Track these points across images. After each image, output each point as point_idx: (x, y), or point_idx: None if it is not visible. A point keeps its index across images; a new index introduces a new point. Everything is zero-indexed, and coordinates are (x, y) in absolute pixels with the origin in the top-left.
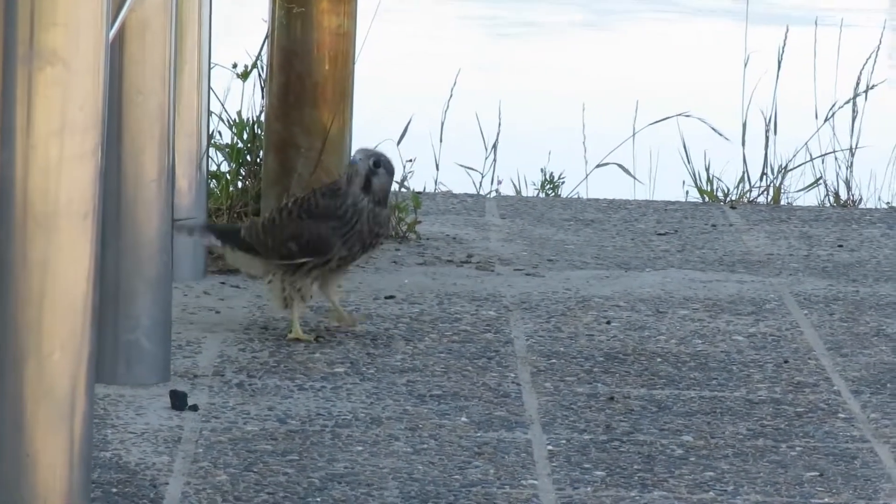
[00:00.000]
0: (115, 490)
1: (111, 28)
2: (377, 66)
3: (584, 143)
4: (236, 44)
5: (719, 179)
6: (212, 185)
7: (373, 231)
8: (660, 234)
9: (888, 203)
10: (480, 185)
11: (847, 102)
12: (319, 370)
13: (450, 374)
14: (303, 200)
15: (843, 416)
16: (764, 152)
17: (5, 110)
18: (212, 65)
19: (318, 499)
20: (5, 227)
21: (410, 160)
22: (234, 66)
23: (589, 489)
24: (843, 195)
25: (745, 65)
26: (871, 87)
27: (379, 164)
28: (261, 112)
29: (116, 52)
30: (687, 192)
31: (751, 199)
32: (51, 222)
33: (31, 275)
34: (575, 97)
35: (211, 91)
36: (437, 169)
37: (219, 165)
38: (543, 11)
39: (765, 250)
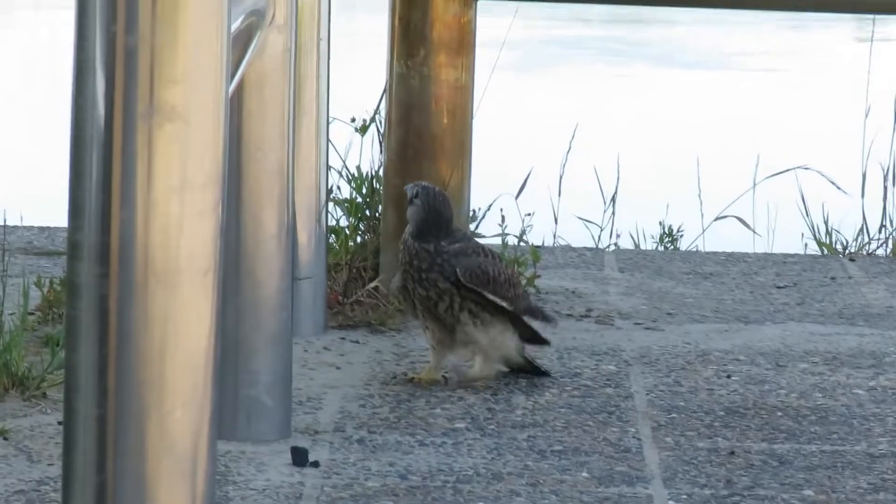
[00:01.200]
0: None
1: (230, 84)
2: (496, 119)
3: (699, 196)
4: (355, 98)
5: (838, 232)
6: (331, 240)
7: (413, 265)
8: (779, 287)
9: None
10: (599, 238)
11: None
12: (440, 426)
13: (570, 429)
14: None
15: None
16: (883, 204)
17: (125, 167)
18: (330, 119)
19: None
20: (127, 284)
21: (529, 214)
22: (353, 120)
23: None
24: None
25: (866, 115)
26: None
27: (416, 195)
28: (380, 166)
29: (235, 107)
30: (806, 245)
31: (870, 251)
32: (171, 279)
33: (152, 331)
34: (692, 149)
35: (330, 145)
36: (556, 222)
37: (338, 220)
38: (654, 61)
39: (884, 303)
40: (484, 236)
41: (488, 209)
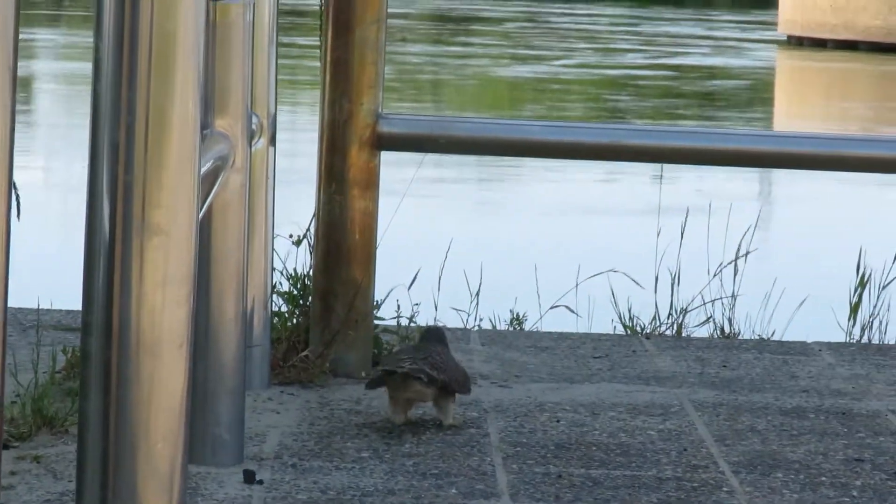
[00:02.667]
0: None
1: (201, 209)
2: (396, 233)
3: (537, 291)
4: (294, 219)
5: (638, 318)
6: (274, 321)
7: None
8: (595, 357)
9: (759, 335)
10: (466, 321)
11: (730, 263)
12: (350, 455)
13: (444, 458)
14: None
15: (726, 489)
16: (670, 298)
17: (124, 268)
18: (275, 235)
19: None
20: (124, 352)
21: (417, 304)
22: (291, 236)
23: None
24: (727, 329)
25: (658, 235)
26: (748, 253)
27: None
28: (310, 269)
29: (205, 225)
30: (615, 327)
31: (660, 332)
32: (156, 349)
33: (142, 386)
34: (534, 256)
35: (274, 253)
36: (436, 309)
37: (279, 307)
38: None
39: (671, 369)
40: (384, 319)
41: (386, 298)
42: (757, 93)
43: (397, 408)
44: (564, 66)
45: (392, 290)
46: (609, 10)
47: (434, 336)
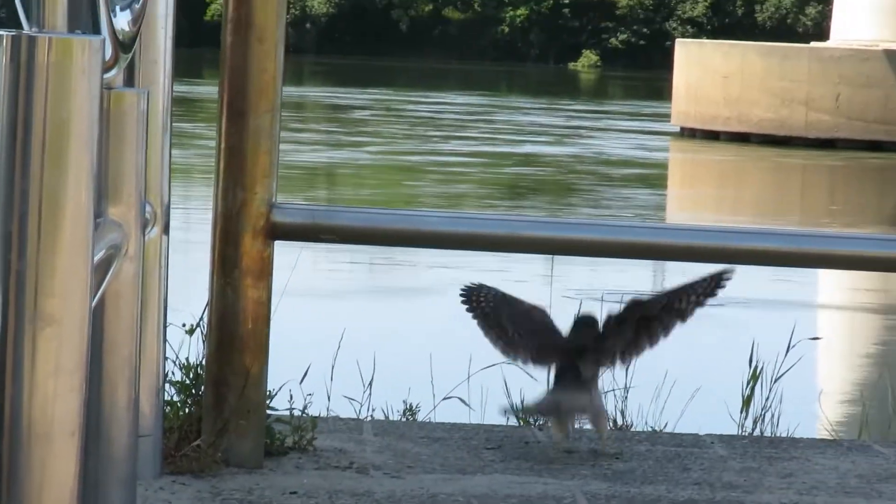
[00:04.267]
0: None
1: (94, 298)
2: (289, 324)
3: (432, 382)
4: (188, 308)
5: None
6: (167, 411)
7: None
8: (488, 448)
9: (651, 427)
10: (359, 412)
11: None
12: None
13: None
14: None
15: None
16: None
17: (16, 357)
18: (168, 324)
19: None
20: (17, 441)
21: (310, 394)
22: (184, 325)
23: None
24: (619, 421)
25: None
26: None
27: None
28: (203, 358)
29: (98, 314)
30: (508, 418)
31: None
32: (48, 437)
33: (33, 475)
34: (428, 345)
35: (167, 343)
36: (329, 399)
37: (172, 396)
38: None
39: (563, 461)
40: (277, 409)
41: (279, 389)
42: (648, 183)
43: (562, 427)
44: (370, 152)
45: (286, 382)
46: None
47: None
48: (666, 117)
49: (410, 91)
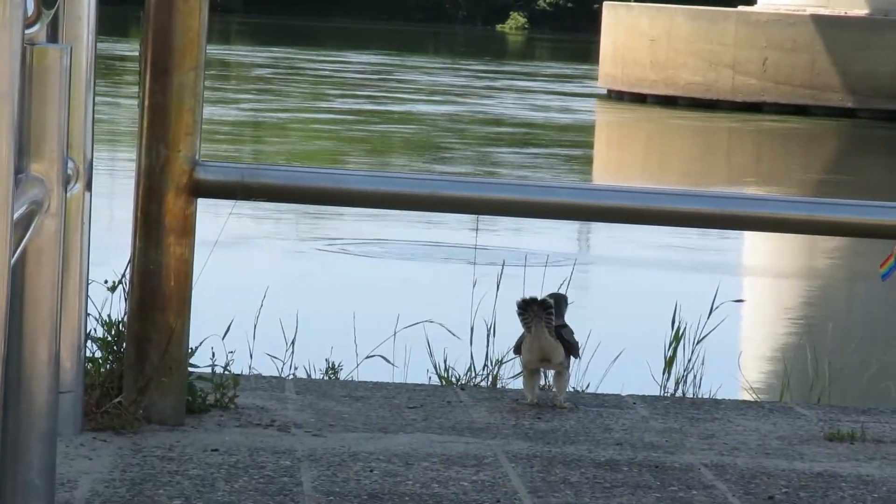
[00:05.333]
0: None
1: (14, 255)
2: (211, 281)
3: (355, 340)
4: (110, 265)
5: (453, 368)
6: (88, 367)
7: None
8: (410, 408)
9: (573, 388)
10: (281, 370)
11: None
12: (163, 503)
13: None
14: None
15: None
16: (486, 350)
17: None
18: (90, 281)
19: None
20: None
21: (232, 352)
22: (106, 282)
23: None
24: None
25: (474, 286)
26: None
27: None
28: (125, 315)
29: (19, 271)
30: (430, 378)
31: (476, 383)
32: None
33: None
34: (352, 304)
35: (89, 299)
36: (251, 357)
37: (93, 353)
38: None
39: (485, 420)
40: (198, 366)
41: (200, 345)
42: (576, 144)
43: (531, 381)
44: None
45: (207, 338)
46: (426, 63)
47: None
48: (593, 79)
49: (321, 50)
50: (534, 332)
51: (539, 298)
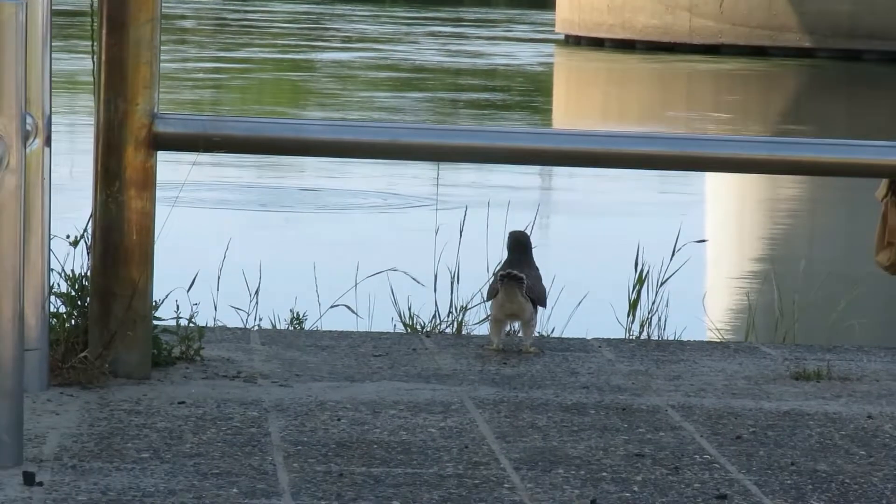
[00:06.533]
0: None
1: None
2: (173, 234)
3: (317, 290)
4: (71, 219)
5: (418, 316)
6: (52, 322)
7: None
8: (375, 356)
9: (539, 333)
10: (246, 321)
11: None
12: (131, 456)
13: (225, 457)
14: None
15: (507, 486)
16: (450, 297)
17: None
18: (52, 236)
19: None
20: None
21: (196, 304)
22: (68, 237)
23: None
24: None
25: (436, 233)
26: None
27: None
28: (88, 270)
29: None
30: (395, 326)
31: (441, 330)
32: None
33: None
34: (313, 254)
35: (52, 254)
36: (216, 309)
37: (57, 308)
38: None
39: (451, 367)
40: (163, 319)
41: (164, 299)
42: (536, 89)
43: (498, 328)
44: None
45: (171, 291)
46: (395, 11)
47: (519, 245)
48: (550, 26)
49: (250, 1)
50: (507, 293)
51: (517, 275)
